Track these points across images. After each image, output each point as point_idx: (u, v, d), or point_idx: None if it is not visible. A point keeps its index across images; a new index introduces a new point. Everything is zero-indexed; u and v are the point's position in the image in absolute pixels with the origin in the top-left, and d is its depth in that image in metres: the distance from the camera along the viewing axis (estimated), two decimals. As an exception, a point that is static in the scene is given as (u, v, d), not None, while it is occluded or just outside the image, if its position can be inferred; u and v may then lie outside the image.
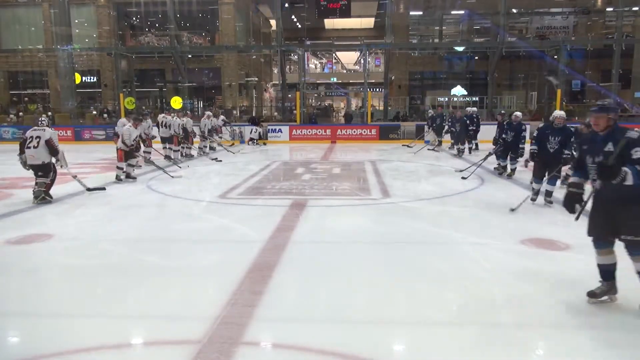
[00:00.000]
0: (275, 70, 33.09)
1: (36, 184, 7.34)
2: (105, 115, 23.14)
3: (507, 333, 3.15)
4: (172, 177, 9.83)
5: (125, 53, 23.83)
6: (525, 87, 26.66)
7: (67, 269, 4.48)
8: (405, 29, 25.71)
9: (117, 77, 22.80)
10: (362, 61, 29.36)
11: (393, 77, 26.24)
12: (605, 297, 3.48)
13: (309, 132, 19.39)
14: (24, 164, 7.39)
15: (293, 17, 29.21)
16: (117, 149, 9.59)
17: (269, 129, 19.20)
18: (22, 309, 3.60)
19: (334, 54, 39.95)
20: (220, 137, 15.93)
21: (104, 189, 8.42)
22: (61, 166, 7.52)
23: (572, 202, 3.54)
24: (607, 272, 3.48)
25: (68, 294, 3.88)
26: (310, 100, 32.22)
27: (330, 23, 33.05)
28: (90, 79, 25.31)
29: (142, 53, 24.99)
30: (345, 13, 23.47)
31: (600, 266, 3.51)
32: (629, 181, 3.12)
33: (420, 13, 26.26)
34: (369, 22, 33.00)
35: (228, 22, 25.16)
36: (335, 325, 3.28)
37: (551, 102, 20.63)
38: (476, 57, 25.52)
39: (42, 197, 7.28)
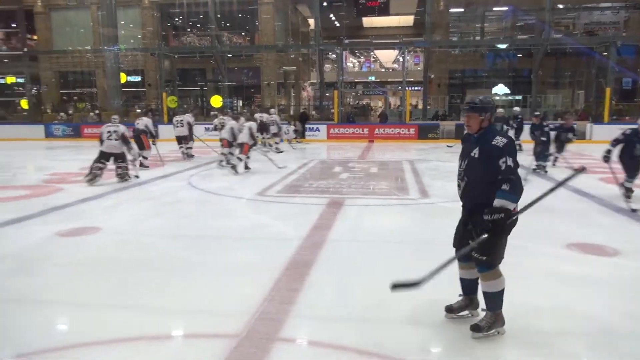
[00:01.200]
0: (314, 69, 33.20)
1: (118, 167, 9.10)
2: (150, 113, 23.81)
3: (548, 340, 3.04)
4: (279, 167, 10.57)
5: (168, 53, 24.48)
6: (572, 86, 25.65)
7: (111, 261, 4.64)
8: (445, 27, 25.25)
9: (160, 77, 23.44)
10: (401, 59, 29.08)
11: (432, 76, 25.83)
12: (465, 312, 3.28)
13: (347, 131, 19.36)
14: (101, 152, 9.04)
15: (331, 15, 29.21)
16: (243, 143, 10.17)
17: (306, 128, 19.28)
18: (69, 298, 3.76)
19: (372, 53, 39.69)
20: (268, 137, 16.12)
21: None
22: (131, 154, 9.22)
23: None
24: (468, 287, 3.25)
25: (112, 285, 4.02)
26: (348, 99, 32.15)
27: (368, 21, 32.87)
28: (135, 78, 26.12)
29: (184, 53, 25.62)
30: (384, 11, 23.30)
31: (461, 280, 3.27)
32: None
33: (461, 10, 25.70)
34: (408, 20, 32.61)
35: (267, 21, 25.43)
36: (369, 324, 3.26)
37: (599, 101, 19.79)
38: (519, 55, 24.76)
39: (126, 178, 9.11)
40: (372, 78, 36.72)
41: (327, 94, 24.25)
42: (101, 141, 9.07)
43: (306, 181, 9.31)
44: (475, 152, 2.91)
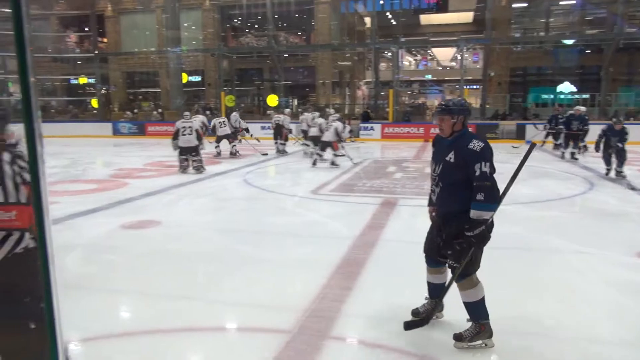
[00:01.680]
0: (369, 68, 33.03)
1: (194, 161, 10.05)
2: (207, 112, 24.67)
3: (606, 351, 2.87)
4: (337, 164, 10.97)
5: (227, 54, 25.20)
6: (647, 83, 23.97)
7: (171, 253, 4.84)
8: (506, 23, 24.31)
9: (220, 77, 24.18)
10: (459, 57, 28.33)
11: (492, 74, 24.95)
12: (433, 316, 3.16)
13: (401, 130, 19.13)
14: (176, 146, 9.95)
15: (388, 14, 28.92)
16: (333, 142, 10.93)
17: (361, 127, 19.23)
18: (131, 288, 3.96)
19: (429, 51, 38.93)
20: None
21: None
22: (202, 148, 10.19)
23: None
24: (434, 290, 3.17)
25: (171, 276, 4.20)
26: (403, 98, 31.73)
27: (426, 19, 32.24)
28: (195, 78, 27.08)
29: (242, 53, 26.26)
30: (443, 8, 22.80)
31: (428, 284, 3.21)
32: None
33: (525, 5, 24.65)
34: (467, 17, 31.69)
35: (323, 21, 25.56)
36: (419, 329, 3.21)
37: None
38: (588, 51, 23.41)
39: (201, 170, 10.00)
40: (429, 76, 36.04)
41: (382, 93, 24.05)
42: (177, 136, 9.92)
43: (360, 180, 9.29)
44: (451, 157, 2.80)
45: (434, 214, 3.14)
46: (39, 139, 0.92)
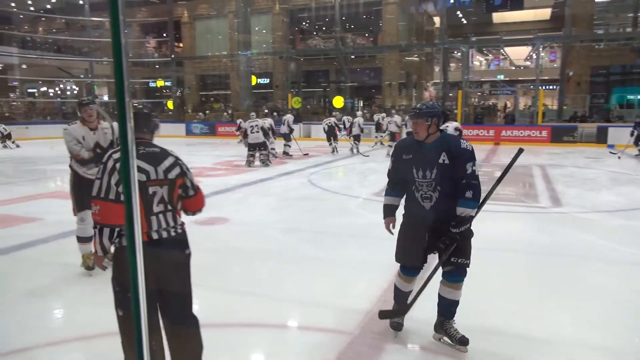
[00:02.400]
0: (437, 69, 32.30)
1: (261, 154, 11.43)
2: (275, 113, 25.25)
3: None
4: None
5: (294, 56, 25.66)
6: None
7: (238, 250, 5.01)
8: (588, 19, 22.82)
9: (287, 79, 24.68)
10: (535, 56, 26.98)
11: (571, 73, 23.52)
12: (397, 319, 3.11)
13: (470, 132, 18.53)
14: (246, 144, 11.74)
15: (458, 13, 28.13)
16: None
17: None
18: (200, 282, 4.13)
19: (501, 50, 37.37)
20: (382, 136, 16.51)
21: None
22: (272, 143, 11.91)
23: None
24: (402, 296, 3.11)
25: (237, 273, 4.34)
26: (472, 99, 30.71)
27: (499, 17, 31.01)
28: (264, 80, 27.84)
29: (309, 55, 26.62)
30: (518, 5, 21.84)
31: (397, 289, 3.13)
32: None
33: (609, -1, 23.05)
34: (544, 14, 30.10)
35: (391, 21, 25.32)
36: (479, 334, 3.10)
37: None
38: (682, 47, 21.47)
39: (267, 163, 11.40)
40: (501, 77, 34.59)
41: (451, 94, 23.43)
42: (246, 135, 11.56)
43: (425, 183, 9.09)
44: (444, 159, 2.79)
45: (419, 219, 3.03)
46: (131, 137, 0.99)
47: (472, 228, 2.87)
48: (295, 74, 26.88)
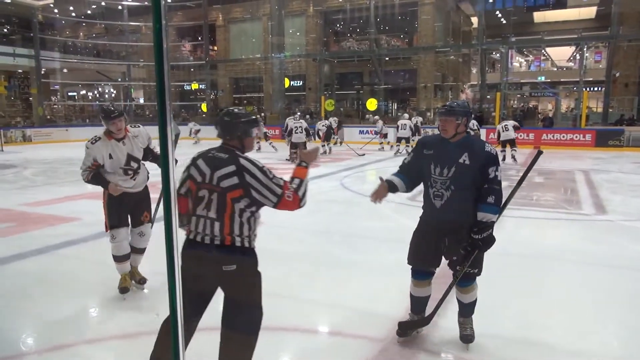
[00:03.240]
0: (474, 70, 31.76)
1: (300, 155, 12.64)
2: (307, 116, 25.41)
3: None
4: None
5: (328, 58, 25.76)
6: None
7: (270, 253, 5.05)
8: (637, 16, 21.96)
9: (320, 81, 24.79)
10: (578, 57, 26.16)
11: (618, 74, 22.67)
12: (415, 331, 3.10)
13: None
14: (289, 141, 13.17)
15: (497, 12, 27.59)
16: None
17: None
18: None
19: (543, 50, 36.41)
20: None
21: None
22: (309, 140, 13.15)
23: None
24: (421, 305, 3.09)
25: (270, 275, 4.38)
26: (511, 102, 30.04)
27: (540, 16, 30.20)
28: (296, 83, 28.05)
29: (343, 57, 26.67)
30: (561, 4, 21.20)
31: (415, 298, 3.09)
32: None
33: (661, -5, 22.08)
34: (589, 12, 29.15)
35: (427, 22, 25.07)
36: (524, 346, 3.04)
37: None
38: None
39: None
40: (542, 78, 33.68)
41: (488, 96, 22.98)
42: (289, 134, 13.01)
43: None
44: (465, 159, 2.78)
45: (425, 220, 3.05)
46: (172, 140, 1.02)
47: (498, 234, 2.87)
48: (329, 76, 26.98)
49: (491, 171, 2.76)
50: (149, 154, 3.89)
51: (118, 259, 3.84)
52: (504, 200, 2.86)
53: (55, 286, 4.10)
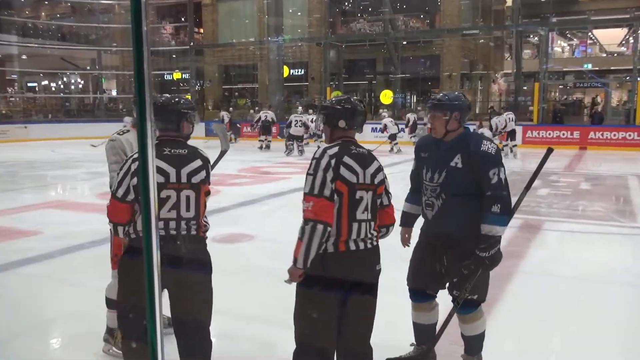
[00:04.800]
0: (508, 57, 31.78)
1: (299, 145, 15.78)
2: (310, 111, 25.47)
3: None
4: None
5: (334, 42, 25.81)
6: None
7: (264, 272, 5.06)
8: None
9: (325, 69, 24.78)
10: (632, 40, 26.13)
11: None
12: None
13: (549, 134, 18.13)
14: (287, 133, 15.78)
15: (535, -12, 27.68)
16: None
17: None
18: (218, 308, 4.20)
19: (589, 33, 36.40)
20: None
21: None
22: (307, 135, 16.33)
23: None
24: (425, 334, 3.04)
25: (264, 299, 4.39)
26: (553, 94, 30.04)
27: (587, -7, 30.29)
28: (297, 71, 28.13)
29: (352, 41, 26.73)
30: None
31: (417, 325, 3.06)
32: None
33: None
34: (645, -12, 29.18)
35: (451, 0, 25.14)
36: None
37: None
38: None
39: (303, 152, 15.35)
40: (589, 66, 33.63)
41: (525, 87, 23.00)
42: (289, 126, 15.48)
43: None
44: (457, 161, 2.74)
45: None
46: (152, 137, 1.02)
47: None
48: (335, 64, 27.05)
49: (492, 174, 2.67)
50: None
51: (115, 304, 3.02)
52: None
53: (15, 312, 4.11)
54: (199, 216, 2.61)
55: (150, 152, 1.03)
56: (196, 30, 29.69)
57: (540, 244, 6.01)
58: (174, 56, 30.60)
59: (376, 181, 2.51)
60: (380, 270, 2.58)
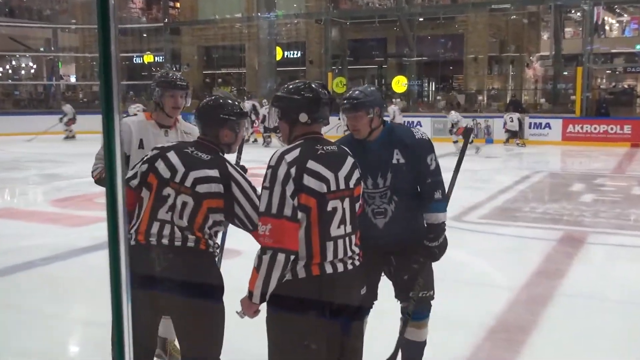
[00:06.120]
0: (546, 36, 31.86)
1: (278, 135, 16.50)
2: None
3: None
4: None
5: (337, 19, 25.85)
6: None
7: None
8: None
9: (327, 50, 24.79)
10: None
11: None
12: None
13: (595, 128, 18.21)
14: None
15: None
16: None
17: (530, 123, 18.67)
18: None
19: (643, 7, 36.57)
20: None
21: None
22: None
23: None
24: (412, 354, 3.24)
25: (253, 323, 4.39)
26: (599, 80, 30.10)
27: (639, -41, 30.40)
28: (293, 54, 28.17)
29: (358, 18, 26.76)
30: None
31: (403, 345, 3.19)
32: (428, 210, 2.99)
33: None
34: None
35: (478, -32, 25.25)
36: None
37: None
38: None
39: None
40: (642, 47, 33.80)
41: (565, 73, 23.06)
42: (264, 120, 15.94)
43: (527, 203, 9.14)
44: (398, 157, 2.95)
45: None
46: (118, 133, 1.03)
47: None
48: (338, 45, 27.10)
49: (430, 160, 2.98)
50: None
51: None
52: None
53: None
54: (192, 228, 2.57)
55: (117, 149, 1.03)
56: (172, 4, 29.75)
57: (584, 261, 6.04)
58: (144, 35, 30.65)
59: (352, 184, 2.44)
60: (365, 294, 2.57)
